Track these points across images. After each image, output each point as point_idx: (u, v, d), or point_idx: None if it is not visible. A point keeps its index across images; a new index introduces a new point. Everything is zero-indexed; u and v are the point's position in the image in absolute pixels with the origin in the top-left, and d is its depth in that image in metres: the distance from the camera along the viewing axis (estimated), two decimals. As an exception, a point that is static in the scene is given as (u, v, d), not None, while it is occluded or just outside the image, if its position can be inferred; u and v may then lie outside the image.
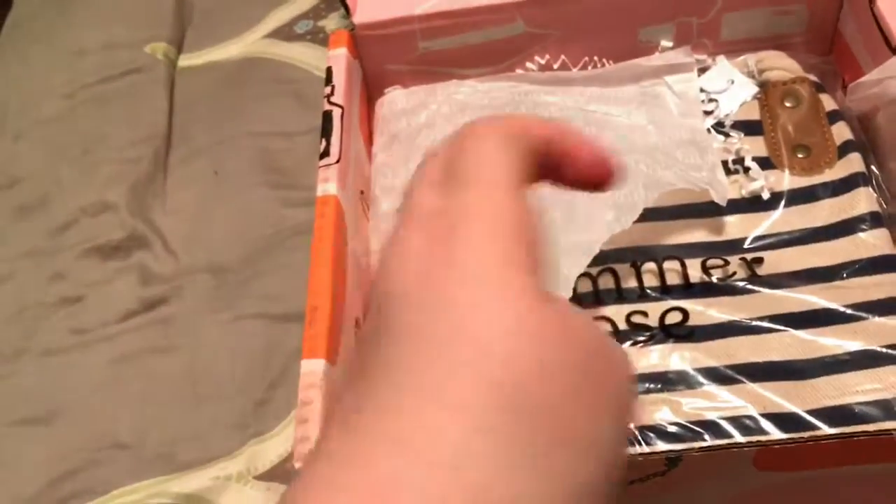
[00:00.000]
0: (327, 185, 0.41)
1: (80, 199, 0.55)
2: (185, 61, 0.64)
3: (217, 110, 0.60)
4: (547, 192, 0.44)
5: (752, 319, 0.41)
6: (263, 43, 0.63)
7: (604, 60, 0.51)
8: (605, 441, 0.18)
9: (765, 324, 0.41)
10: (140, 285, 0.50)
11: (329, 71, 0.47)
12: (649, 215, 0.45)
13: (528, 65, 0.51)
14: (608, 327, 0.42)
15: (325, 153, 0.43)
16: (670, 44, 0.50)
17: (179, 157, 0.58)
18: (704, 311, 0.42)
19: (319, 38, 0.62)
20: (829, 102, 0.47)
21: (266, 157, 0.56)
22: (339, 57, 0.48)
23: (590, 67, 0.51)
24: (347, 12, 0.49)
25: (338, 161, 0.42)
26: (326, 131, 0.44)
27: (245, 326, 0.47)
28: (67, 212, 0.54)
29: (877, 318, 0.40)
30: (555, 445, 0.17)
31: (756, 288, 0.42)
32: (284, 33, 0.64)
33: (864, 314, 0.40)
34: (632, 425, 0.20)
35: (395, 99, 0.51)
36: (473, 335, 0.18)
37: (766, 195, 0.45)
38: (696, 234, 0.44)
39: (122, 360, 0.48)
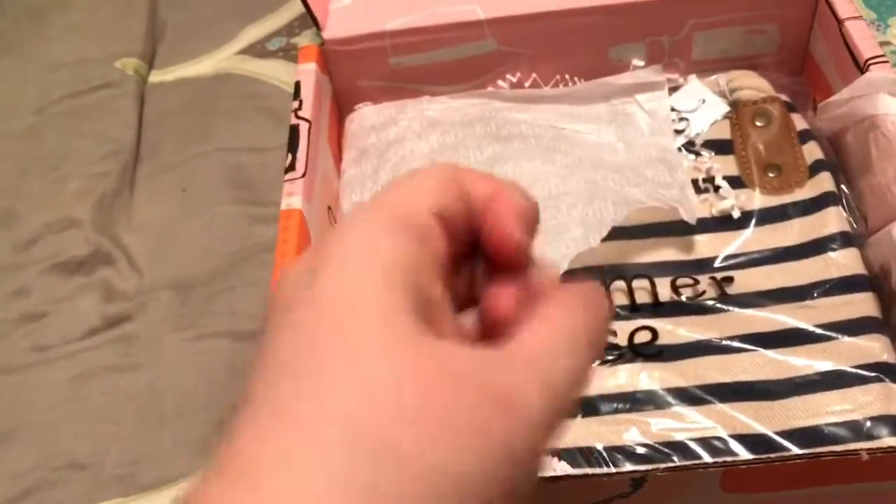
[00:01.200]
0: (291, 198, 0.41)
1: (45, 215, 0.54)
2: (156, 77, 0.63)
3: (187, 126, 0.59)
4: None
5: (721, 339, 0.40)
6: (236, 59, 0.63)
7: (575, 79, 0.50)
8: (494, 485, 0.17)
9: (735, 343, 0.40)
10: (103, 302, 0.49)
11: (297, 85, 0.46)
12: (618, 234, 0.44)
13: (500, 82, 0.51)
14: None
15: (291, 167, 0.42)
16: (642, 63, 0.50)
17: (147, 172, 0.57)
18: (674, 331, 0.41)
19: (292, 55, 0.61)
20: (800, 122, 0.47)
21: (236, 174, 0.55)
22: (307, 72, 0.47)
23: (561, 85, 0.51)
24: (317, 27, 0.49)
25: (303, 175, 0.42)
26: (293, 145, 0.43)
27: (208, 345, 0.46)
28: (33, 227, 0.53)
29: (847, 338, 0.39)
30: (425, 493, 0.16)
31: (726, 307, 0.42)
32: (257, 50, 0.63)
33: (833, 334, 0.40)
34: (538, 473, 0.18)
35: (364, 115, 0.50)
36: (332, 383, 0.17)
37: (736, 214, 0.44)
38: (666, 252, 0.44)
39: (82, 377, 0.46)
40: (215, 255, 0.51)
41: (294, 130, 0.44)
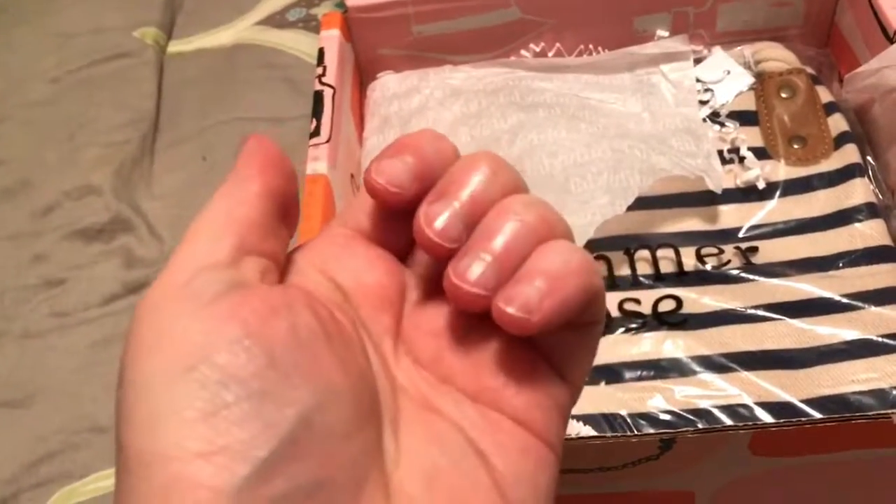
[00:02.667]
0: (317, 164, 0.41)
1: (64, 183, 0.54)
2: (175, 47, 0.63)
3: (206, 96, 0.59)
4: (540, 175, 0.43)
5: (746, 308, 0.40)
6: (255, 30, 0.63)
7: (599, 49, 0.50)
8: None
9: (759, 312, 0.40)
10: (123, 269, 0.49)
11: (321, 52, 0.46)
12: (643, 203, 0.44)
13: (523, 52, 0.51)
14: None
15: (316, 132, 0.42)
16: (666, 33, 0.50)
17: (167, 141, 0.57)
18: (698, 299, 0.41)
19: (312, 25, 0.61)
20: (825, 94, 0.47)
21: (255, 142, 0.55)
22: (331, 38, 0.47)
23: (585, 55, 0.51)
24: (341, -5, 0.49)
25: (328, 140, 0.42)
26: (317, 111, 0.43)
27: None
28: (51, 195, 0.53)
29: (872, 308, 0.39)
30: None
31: (751, 276, 0.41)
32: (276, 20, 0.63)
33: (859, 304, 0.40)
34: None
35: (387, 83, 0.50)
36: None
37: (761, 185, 0.44)
38: (691, 222, 0.44)
39: (103, 343, 0.46)
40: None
41: (318, 96, 0.44)
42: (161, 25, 0.63)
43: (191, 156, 0.55)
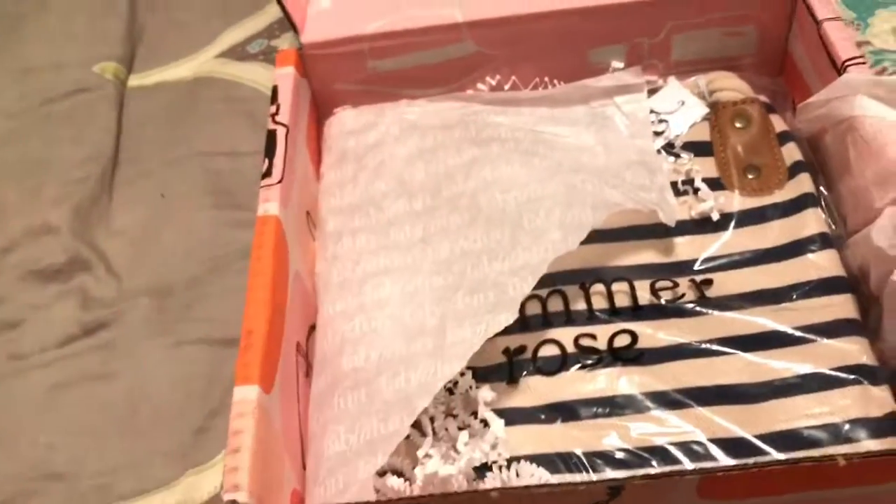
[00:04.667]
0: (268, 204, 0.41)
1: (22, 221, 0.53)
2: (135, 81, 0.63)
3: (166, 131, 0.59)
4: (494, 211, 0.43)
5: (701, 342, 0.40)
6: (215, 63, 0.62)
7: (555, 81, 0.50)
8: None
9: (714, 346, 0.40)
10: (81, 309, 0.49)
11: (275, 90, 0.46)
12: (598, 237, 0.44)
13: (479, 85, 0.51)
14: (556, 351, 0.41)
15: (268, 173, 0.42)
16: (621, 65, 0.50)
17: (126, 178, 0.56)
18: (654, 334, 0.41)
19: (272, 57, 0.61)
20: (779, 123, 0.47)
21: (215, 179, 0.55)
22: (285, 76, 0.47)
23: (541, 88, 0.51)
24: (295, 31, 0.48)
25: (280, 181, 0.41)
26: (270, 151, 0.43)
27: (186, 352, 0.46)
28: (9, 234, 0.53)
29: (825, 341, 0.39)
30: None
31: (705, 310, 0.42)
32: (237, 53, 0.63)
33: (813, 336, 0.40)
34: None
35: (344, 118, 0.50)
36: None
37: (715, 216, 0.44)
38: (645, 255, 0.44)
39: (60, 386, 0.46)
40: (194, 260, 0.50)
41: (271, 135, 0.44)
42: (121, 59, 0.63)
43: (149, 193, 0.55)
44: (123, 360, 0.46)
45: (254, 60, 0.62)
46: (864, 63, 0.42)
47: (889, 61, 0.55)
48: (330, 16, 0.50)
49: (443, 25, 0.48)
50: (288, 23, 0.48)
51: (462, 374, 0.41)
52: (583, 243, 0.44)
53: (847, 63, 0.43)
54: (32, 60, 0.63)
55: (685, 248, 0.44)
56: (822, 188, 0.44)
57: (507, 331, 0.42)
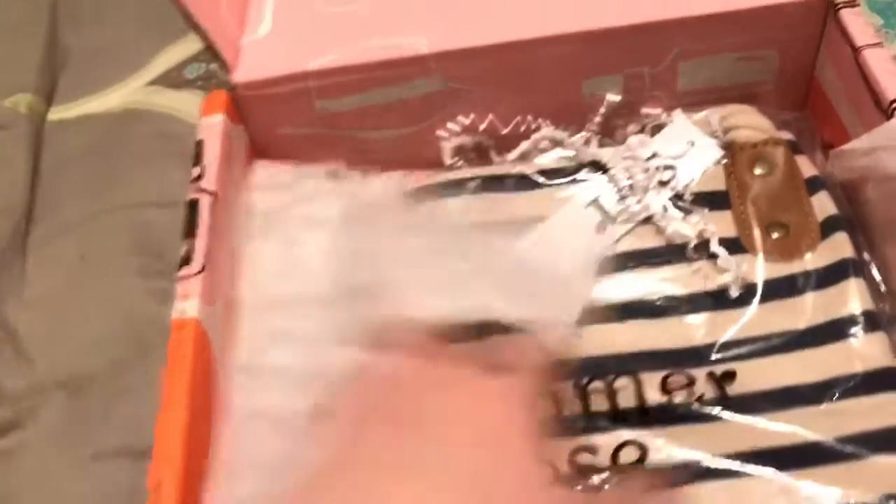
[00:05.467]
0: (186, 303, 0.33)
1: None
2: (55, 114, 0.54)
3: (90, 175, 0.50)
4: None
5: (723, 457, 0.33)
6: (147, 91, 0.54)
7: (539, 120, 0.42)
8: None
9: (739, 465, 0.33)
10: (-18, 406, 0.41)
11: (199, 147, 0.38)
12: (595, 316, 0.37)
13: (450, 125, 0.43)
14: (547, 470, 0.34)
15: (186, 260, 0.34)
16: (618, 97, 0.42)
17: (42, 235, 0.48)
18: (666, 446, 0.34)
19: (212, 83, 0.53)
20: (807, 167, 0.40)
21: (143, 236, 0.47)
22: (213, 126, 0.39)
23: (522, 128, 0.43)
24: (225, 69, 0.40)
25: (200, 270, 0.33)
26: (189, 229, 0.35)
27: (106, 467, 0.38)
28: None
29: (877, 458, 0.32)
30: None
31: (727, 414, 0.34)
32: (172, 79, 0.54)
33: (861, 451, 0.32)
34: None
35: (259, 174, 0.42)
36: None
37: (735, 292, 0.37)
38: (654, 338, 0.36)
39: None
40: (117, 340, 0.43)
41: (192, 208, 0.36)
42: (38, 89, 0.54)
43: (68, 254, 0.47)
44: (32, 474, 0.38)
45: (191, 88, 0.54)
46: (919, 105, 0.34)
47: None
48: (268, 46, 0.42)
49: (406, 58, 0.40)
50: (215, 58, 0.40)
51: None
52: (578, 322, 0.37)
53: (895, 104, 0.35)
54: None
55: (701, 329, 0.36)
56: (865, 254, 0.37)
57: (487, 441, 0.35)
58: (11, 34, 0.57)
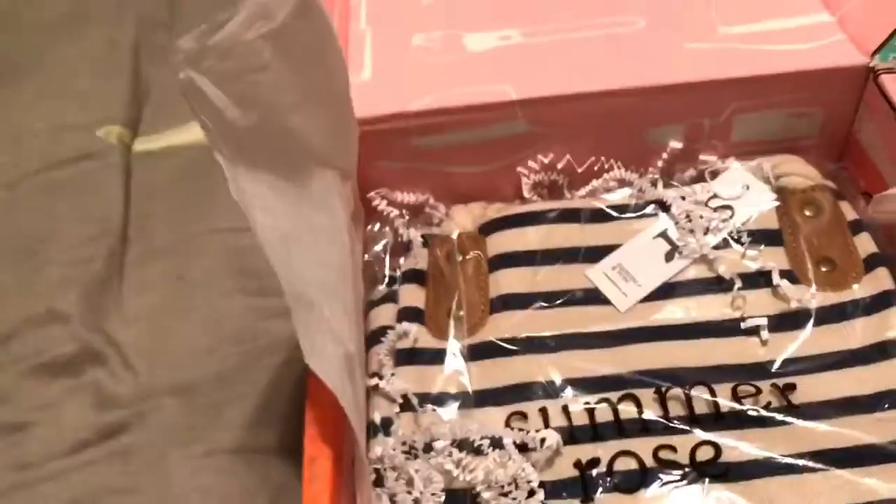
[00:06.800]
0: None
1: (23, 308, 0.48)
2: (141, 145, 0.58)
3: (179, 202, 0.54)
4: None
5: (790, 456, 0.37)
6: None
7: (611, 161, 0.47)
8: None
9: (805, 462, 0.37)
10: (95, 409, 0.44)
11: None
12: (670, 333, 0.41)
13: (531, 163, 0.48)
14: (634, 464, 0.38)
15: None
16: (679, 145, 0.47)
17: (137, 257, 0.52)
18: (738, 446, 0.38)
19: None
20: (848, 211, 0.45)
21: (238, 259, 0.50)
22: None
23: (595, 168, 0.48)
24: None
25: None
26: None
27: (219, 462, 0.41)
28: (9, 323, 0.48)
29: (928, 457, 0.37)
30: None
31: (791, 419, 0.39)
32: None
33: (914, 452, 0.37)
34: None
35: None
36: None
37: (794, 305, 0.42)
38: (723, 355, 0.41)
39: (74, 502, 0.41)
40: (220, 355, 0.46)
41: None
42: (126, 122, 0.58)
43: (165, 274, 0.50)
44: (147, 471, 0.41)
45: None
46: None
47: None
48: (371, 89, 0.46)
49: (494, 103, 0.45)
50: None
51: (531, 493, 0.37)
52: (653, 340, 0.41)
53: (932, 156, 0.40)
54: (29, 123, 0.58)
55: (763, 348, 0.41)
56: (903, 285, 0.42)
57: (577, 440, 0.39)
58: (100, 68, 0.61)
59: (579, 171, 0.48)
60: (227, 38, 0.31)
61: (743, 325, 0.42)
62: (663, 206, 0.46)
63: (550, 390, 0.41)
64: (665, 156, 0.47)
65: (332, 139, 0.38)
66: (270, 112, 0.33)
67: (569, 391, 0.40)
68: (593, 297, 0.43)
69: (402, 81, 0.46)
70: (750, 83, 0.45)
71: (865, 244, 0.44)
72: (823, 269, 0.43)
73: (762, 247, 0.44)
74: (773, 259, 0.44)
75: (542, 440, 0.38)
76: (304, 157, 0.36)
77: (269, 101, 0.33)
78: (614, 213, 0.46)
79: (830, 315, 0.42)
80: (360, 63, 0.48)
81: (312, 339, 0.29)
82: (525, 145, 0.47)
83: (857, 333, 0.41)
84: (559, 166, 0.48)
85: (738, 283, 0.43)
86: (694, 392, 0.40)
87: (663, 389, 0.40)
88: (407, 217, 0.48)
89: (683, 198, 0.46)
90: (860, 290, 0.42)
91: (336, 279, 0.35)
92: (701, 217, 0.45)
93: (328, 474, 0.31)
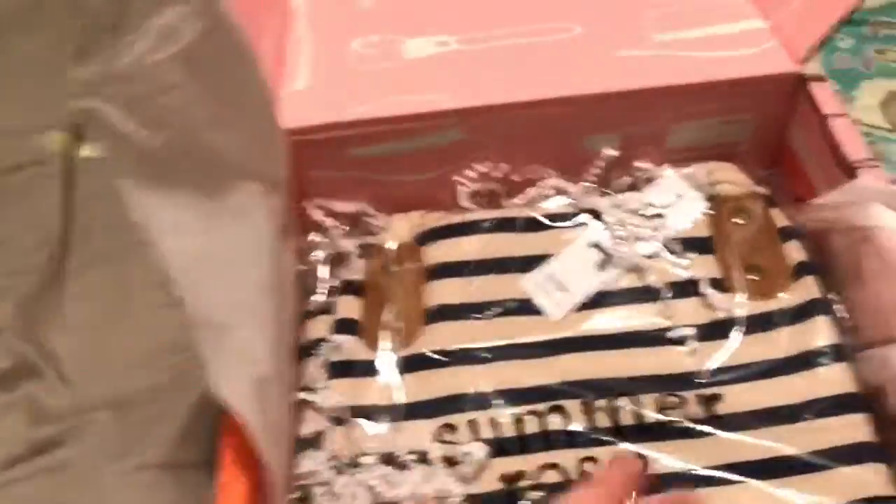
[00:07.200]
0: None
1: (-42, 322, 0.48)
2: (87, 151, 0.58)
3: (121, 209, 0.54)
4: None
5: (711, 468, 0.38)
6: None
7: (546, 170, 0.48)
8: None
9: (725, 474, 0.38)
10: (29, 424, 0.44)
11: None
12: (600, 343, 0.42)
13: (468, 172, 0.48)
14: (558, 477, 0.38)
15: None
16: (615, 152, 0.47)
17: (79, 264, 0.52)
18: (661, 458, 0.38)
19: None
20: (779, 218, 0.45)
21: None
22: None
23: (531, 177, 0.48)
24: (268, 117, 0.45)
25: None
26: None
27: (149, 477, 0.41)
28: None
29: (843, 468, 0.37)
30: None
31: (715, 431, 0.39)
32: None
33: (829, 463, 0.38)
34: None
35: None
36: None
37: (721, 314, 0.42)
38: (649, 365, 0.41)
39: (5, 519, 0.41)
40: (156, 367, 0.46)
41: None
42: (71, 127, 0.58)
43: (105, 282, 0.50)
44: (79, 487, 0.41)
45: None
46: (877, 166, 0.40)
47: (879, 139, 0.54)
48: (308, 97, 0.46)
49: (431, 112, 0.45)
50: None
51: (455, 507, 0.38)
52: (583, 350, 0.42)
53: (857, 165, 0.41)
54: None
55: (690, 357, 0.42)
56: (830, 295, 0.43)
57: (504, 452, 0.39)
58: (45, 72, 0.60)
59: (516, 179, 0.48)
60: (134, 62, 0.31)
61: (670, 335, 0.42)
62: (597, 215, 0.46)
63: (481, 402, 0.41)
64: (601, 163, 0.48)
65: (253, 152, 0.38)
66: (183, 131, 0.33)
67: (499, 403, 0.41)
68: (527, 307, 0.44)
69: (339, 90, 0.46)
70: (684, 92, 0.45)
71: (795, 252, 0.44)
72: (752, 278, 0.44)
73: (693, 255, 0.44)
74: (703, 267, 0.44)
75: (468, 454, 0.39)
76: (222, 173, 0.36)
77: (180, 120, 0.33)
78: (549, 222, 0.46)
79: (758, 324, 0.42)
80: (297, 71, 0.48)
81: (221, 364, 0.29)
82: (462, 154, 0.47)
83: (783, 342, 0.41)
84: (496, 175, 0.48)
85: (668, 293, 0.43)
86: (619, 403, 0.40)
87: (589, 400, 0.40)
88: (346, 228, 0.48)
89: (617, 206, 0.46)
90: (788, 298, 0.43)
91: (255, 297, 0.35)
92: (634, 226, 0.45)
93: (243, 499, 0.32)
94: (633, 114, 0.46)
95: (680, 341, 0.42)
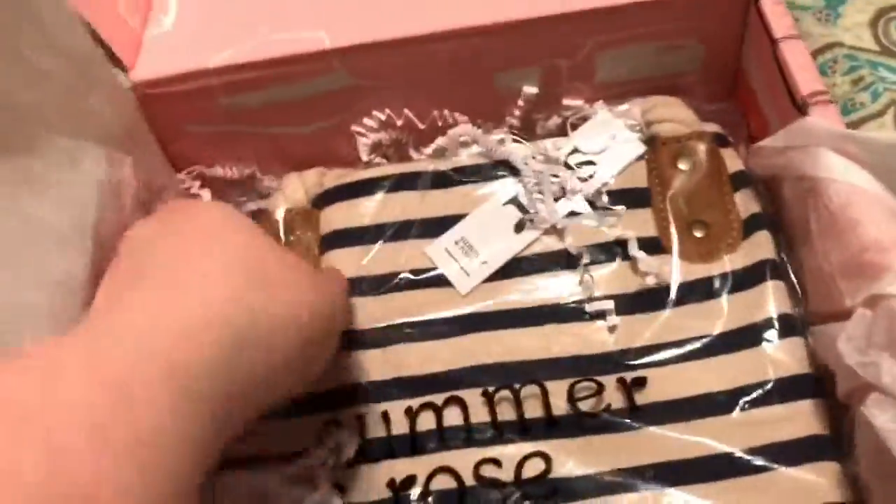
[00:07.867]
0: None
1: None
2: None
3: None
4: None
5: (628, 471, 0.32)
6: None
7: (455, 115, 0.41)
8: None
9: (645, 480, 0.32)
10: None
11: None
12: (511, 319, 0.36)
13: (366, 121, 0.41)
14: (452, 483, 0.33)
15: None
16: (535, 90, 0.40)
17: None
18: (570, 460, 0.33)
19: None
20: (732, 161, 0.38)
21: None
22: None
23: (440, 124, 0.41)
24: (122, 68, 0.38)
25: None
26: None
27: None
28: None
29: (787, 469, 0.31)
30: None
31: (636, 424, 0.33)
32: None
33: (771, 463, 0.31)
34: None
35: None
36: None
37: (651, 295, 0.35)
38: (564, 344, 0.35)
39: None
40: None
41: None
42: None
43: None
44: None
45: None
46: (829, 102, 0.33)
47: (865, 65, 0.45)
48: (172, 41, 0.40)
49: (307, 54, 0.38)
50: (108, 56, 0.38)
51: (334, 516, 0.32)
52: (492, 329, 0.35)
53: (808, 100, 0.33)
54: None
55: (614, 334, 0.35)
56: (783, 255, 0.36)
57: (394, 455, 0.34)
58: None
59: (422, 127, 0.41)
60: None
61: (589, 308, 0.35)
62: (515, 168, 0.39)
63: (372, 394, 0.35)
64: (521, 104, 0.40)
65: (77, 109, 0.32)
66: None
67: (393, 393, 0.35)
68: (434, 279, 0.37)
69: (203, 32, 0.39)
70: (608, 13, 0.37)
71: (747, 203, 0.37)
72: (696, 235, 0.37)
73: (625, 209, 0.37)
74: (637, 225, 0.37)
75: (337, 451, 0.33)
76: (28, 137, 0.30)
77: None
78: (459, 178, 0.40)
79: (695, 292, 0.35)
80: (163, 8, 0.41)
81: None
82: (355, 100, 0.40)
83: (722, 314, 0.35)
84: (399, 123, 0.41)
85: (586, 258, 0.36)
86: (525, 392, 0.34)
87: (491, 390, 0.34)
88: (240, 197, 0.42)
89: (538, 155, 0.39)
90: (733, 260, 0.36)
91: (60, 295, 0.29)
92: (555, 177, 0.38)
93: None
94: (550, 43, 0.38)
95: (601, 315, 0.35)
